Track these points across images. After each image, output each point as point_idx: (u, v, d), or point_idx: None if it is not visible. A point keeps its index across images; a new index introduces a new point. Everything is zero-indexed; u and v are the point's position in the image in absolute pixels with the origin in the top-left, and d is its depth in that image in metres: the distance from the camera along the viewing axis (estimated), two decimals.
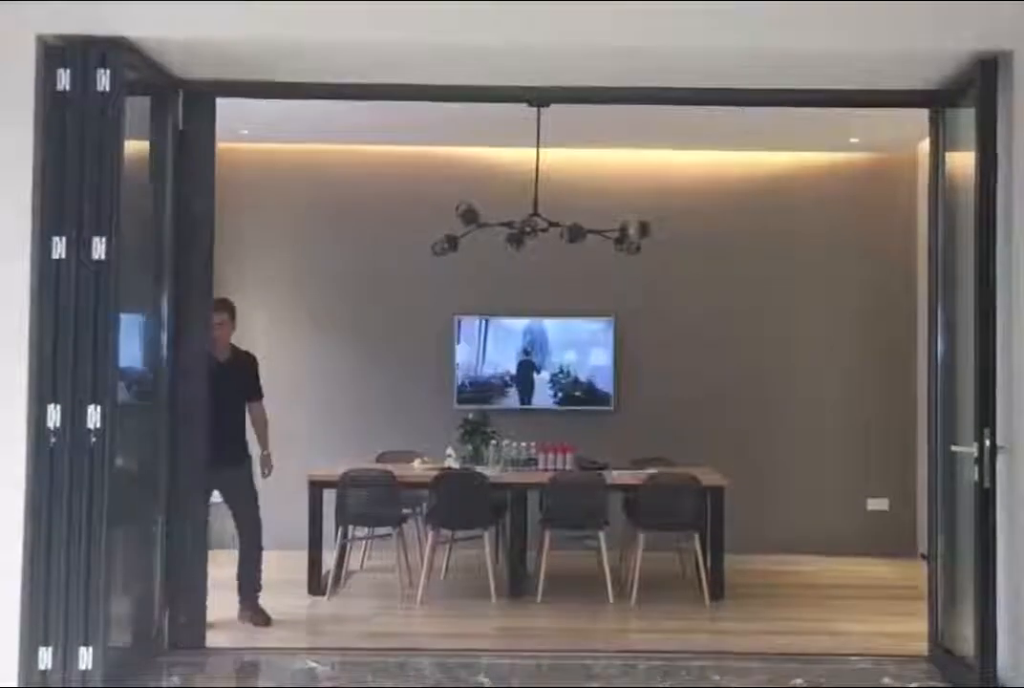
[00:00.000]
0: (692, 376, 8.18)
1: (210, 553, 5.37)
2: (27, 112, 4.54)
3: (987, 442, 4.57)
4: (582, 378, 8.28)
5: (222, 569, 5.78)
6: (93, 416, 4.49)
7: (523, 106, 6.03)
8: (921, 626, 5.27)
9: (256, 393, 6.24)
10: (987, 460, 4.57)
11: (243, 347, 6.29)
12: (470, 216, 6.65)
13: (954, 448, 4.96)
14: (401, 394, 8.23)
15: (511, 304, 8.25)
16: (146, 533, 5.10)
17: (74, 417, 4.50)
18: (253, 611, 5.89)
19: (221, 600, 5.61)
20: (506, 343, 8.33)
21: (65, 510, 4.48)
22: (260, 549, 6.02)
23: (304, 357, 8.29)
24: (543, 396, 8.29)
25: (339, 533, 6.67)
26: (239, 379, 6.07)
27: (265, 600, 5.95)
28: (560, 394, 8.28)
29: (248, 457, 6.08)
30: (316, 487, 6.71)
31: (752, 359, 8.26)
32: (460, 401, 8.22)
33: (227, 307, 6.01)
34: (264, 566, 6.03)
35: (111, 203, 4.56)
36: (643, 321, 8.23)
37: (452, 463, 7.00)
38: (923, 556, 6.01)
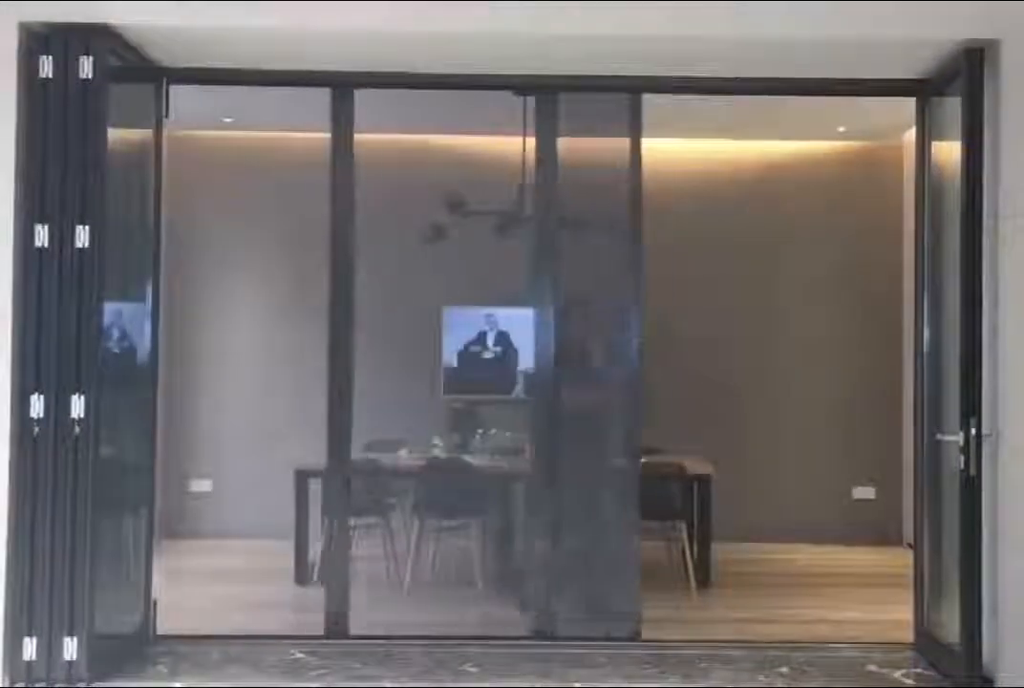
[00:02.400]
0: (680, 367, 8.16)
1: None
2: (9, 100, 4.50)
3: (972, 430, 4.58)
4: None
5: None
6: (77, 406, 4.48)
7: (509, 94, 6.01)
8: (907, 614, 5.28)
9: None
10: (972, 448, 4.58)
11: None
12: (457, 204, 6.63)
13: (939, 437, 4.97)
14: (388, 383, 8.20)
15: (499, 294, 8.21)
16: (132, 522, 5.08)
17: (58, 407, 4.47)
18: None
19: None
20: (494, 333, 8.31)
21: (49, 500, 4.46)
22: None
23: (290, 347, 8.25)
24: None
25: (325, 523, 6.65)
26: None
27: (252, 589, 5.94)
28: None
29: None
30: (302, 477, 6.69)
31: (739, 349, 8.25)
32: (447, 391, 8.20)
33: None
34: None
35: (94, 191, 4.53)
36: None
37: (439, 452, 6.98)
38: (909, 544, 6.03)
